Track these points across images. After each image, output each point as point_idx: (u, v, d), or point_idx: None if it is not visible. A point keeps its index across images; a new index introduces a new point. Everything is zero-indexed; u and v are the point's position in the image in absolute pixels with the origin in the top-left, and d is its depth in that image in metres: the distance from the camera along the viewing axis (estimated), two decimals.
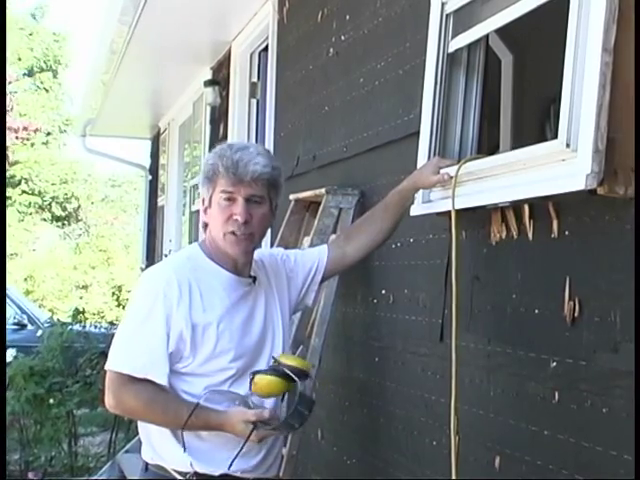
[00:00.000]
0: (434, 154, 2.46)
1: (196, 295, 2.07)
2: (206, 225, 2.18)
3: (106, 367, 2.07)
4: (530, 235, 2.13)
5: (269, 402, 2.08)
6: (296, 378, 1.98)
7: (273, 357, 2.05)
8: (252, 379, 2.01)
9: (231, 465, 2.03)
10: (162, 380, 2.03)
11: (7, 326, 8.49)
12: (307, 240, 3.36)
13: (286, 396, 2.03)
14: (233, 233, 2.09)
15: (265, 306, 2.19)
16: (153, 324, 2.04)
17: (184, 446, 2.02)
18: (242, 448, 1.99)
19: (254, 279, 2.18)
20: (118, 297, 14.57)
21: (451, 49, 2.48)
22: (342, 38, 3.41)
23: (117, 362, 2.06)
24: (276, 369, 1.98)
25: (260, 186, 2.10)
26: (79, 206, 21.25)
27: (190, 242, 6.94)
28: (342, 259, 2.39)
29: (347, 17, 3.37)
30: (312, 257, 2.36)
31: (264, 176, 2.09)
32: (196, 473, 2.05)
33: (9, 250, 15.34)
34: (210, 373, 2.07)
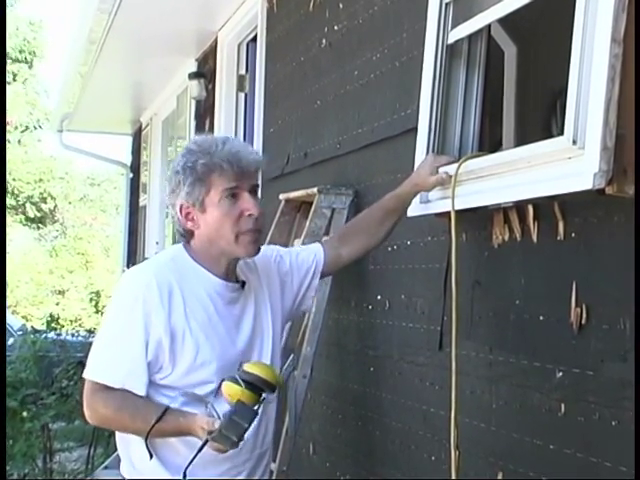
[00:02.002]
0: (432, 151, 2.47)
1: (177, 299, 2.03)
2: (191, 232, 2.10)
3: (84, 375, 2.06)
4: (534, 237, 2.13)
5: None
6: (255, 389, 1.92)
7: (240, 363, 2.00)
8: (220, 385, 1.98)
9: (185, 473, 1.98)
10: (140, 390, 2.01)
11: None
12: (298, 242, 3.37)
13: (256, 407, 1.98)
14: (246, 232, 2.04)
15: (254, 313, 2.16)
16: (131, 331, 2.02)
17: (150, 453, 2.00)
18: (194, 458, 1.95)
19: (243, 284, 2.15)
20: (97, 303, 14.53)
21: (451, 40, 2.49)
22: (335, 28, 3.42)
23: (94, 371, 2.05)
24: (240, 377, 1.93)
25: (257, 175, 2.11)
26: (55, 206, 21.22)
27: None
28: (336, 261, 2.38)
29: (340, 6, 3.38)
30: (308, 259, 2.33)
31: (260, 164, 2.10)
32: None
33: None
34: (189, 387, 2.04)
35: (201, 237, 2.10)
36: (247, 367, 1.95)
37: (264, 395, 1.95)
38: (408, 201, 2.42)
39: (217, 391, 1.98)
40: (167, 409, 1.98)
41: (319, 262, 2.33)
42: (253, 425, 1.93)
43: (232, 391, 1.93)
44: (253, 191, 2.07)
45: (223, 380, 1.96)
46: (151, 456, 2.00)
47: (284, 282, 2.27)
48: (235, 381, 1.93)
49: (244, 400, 1.91)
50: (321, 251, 2.35)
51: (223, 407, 1.93)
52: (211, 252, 2.09)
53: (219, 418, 1.90)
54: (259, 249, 2.11)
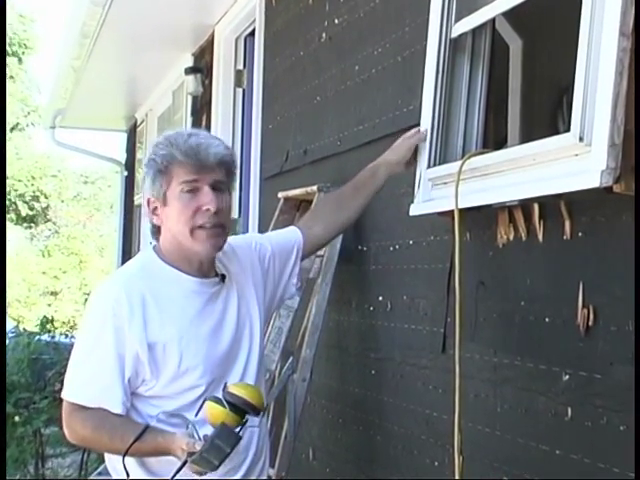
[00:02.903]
0: (435, 148, 2.47)
1: (152, 310, 2.01)
2: (159, 228, 2.11)
3: (62, 395, 2.07)
4: (540, 237, 2.13)
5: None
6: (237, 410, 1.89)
7: (225, 384, 1.96)
8: (202, 404, 1.95)
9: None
10: (117, 409, 2.00)
11: None
12: None
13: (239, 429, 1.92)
14: (202, 227, 2.03)
15: (238, 303, 2.14)
16: (103, 350, 2.00)
17: (127, 474, 1.99)
18: (174, 477, 1.92)
19: (222, 277, 2.13)
20: None
21: (454, 34, 2.49)
22: (336, 22, 3.42)
23: (70, 391, 2.05)
24: (224, 398, 1.90)
25: (224, 171, 2.07)
26: (48, 205, 21.23)
27: None
28: (313, 241, 2.38)
29: None
30: (289, 243, 2.33)
31: (226, 159, 2.08)
32: None
33: None
34: (177, 394, 2.03)
35: (166, 233, 2.09)
36: (232, 388, 1.92)
37: (247, 417, 1.92)
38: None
39: (199, 411, 1.95)
40: (146, 428, 1.97)
41: (299, 246, 2.33)
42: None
43: (215, 412, 1.90)
44: (216, 187, 2.05)
45: (205, 400, 1.93)
46: (128, 475, 1.99)
47: (268, 267, 2.26)
48: (218, 402, 1.90)
49: (228, 422, 1.88)
50: (299, 234, 2.36)
51: (205, 427, 1.91)
52: (181, 249, 2.07)
53: (200, 439, 1.88)
54: (220, 247, 2.09)
